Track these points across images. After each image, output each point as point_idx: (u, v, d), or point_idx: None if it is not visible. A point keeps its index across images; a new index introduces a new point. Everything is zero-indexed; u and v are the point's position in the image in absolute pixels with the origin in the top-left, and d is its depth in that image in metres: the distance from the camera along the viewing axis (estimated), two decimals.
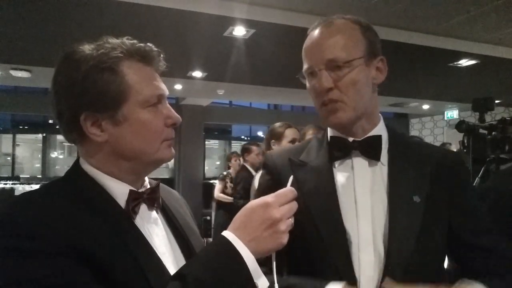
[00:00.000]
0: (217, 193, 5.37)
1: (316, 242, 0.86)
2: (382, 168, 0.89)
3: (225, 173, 5.56)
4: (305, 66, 0.89)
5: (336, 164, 0.92)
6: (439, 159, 0.90)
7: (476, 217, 0.90)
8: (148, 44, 0.79)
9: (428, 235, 0.83)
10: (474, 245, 0.88)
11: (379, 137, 0.89)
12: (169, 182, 9.08)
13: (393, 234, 0.82)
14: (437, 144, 7.46)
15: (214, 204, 7.10)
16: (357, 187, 0.88)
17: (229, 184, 5.23)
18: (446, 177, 0.88)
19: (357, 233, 0.84)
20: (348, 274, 0.82)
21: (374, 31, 0.90)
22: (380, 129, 0.93)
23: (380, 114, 0.96)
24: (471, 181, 0.99)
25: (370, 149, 0.88)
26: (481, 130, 2.28)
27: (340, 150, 0.91)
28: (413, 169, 0.88)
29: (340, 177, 0.90)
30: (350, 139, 0.90)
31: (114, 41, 0.76)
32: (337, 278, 0.82)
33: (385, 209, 0.84)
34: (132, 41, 0.77)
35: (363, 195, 0.87)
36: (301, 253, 0.89)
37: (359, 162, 0.89)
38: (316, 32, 0.87)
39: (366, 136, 0.90)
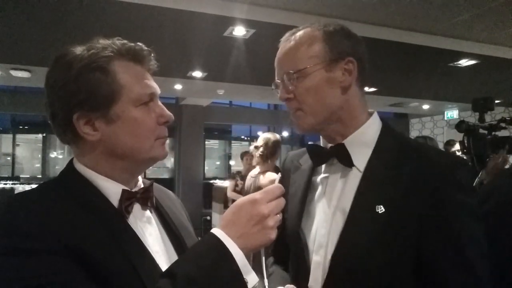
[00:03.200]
0: (229, 191, 5.48)
1: (285, 241, 0.95)
2: (356, 175, 0.86)
3: (235, 171, 5.66)
4: None
5: (322, 169, 0.95)
6: (425, 169, 0.80)
7: (455, 244, 0.76)
8: (139, 43, 0.79)
9: (386, 247, 0.78)
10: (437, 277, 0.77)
11: (342, 145, 0.87)
12: (169, 182, 9.10)
13: (342, 240, 0.83)
14: (441, 142, 7.43)
15: (216, 205, 7.13)
16: (326, 194, 0.90)
17: (239, 182, 5.35)
18: (425, 189, 0.78)
19: (314, 237, 0.89)
20: (303, 272, 0.88)
21: (344, 34, 0.88)
22: (365, 132, 0.89)
23: (368, 115, 0.92)
24: (458, 199, 0.78)
25: (342, 156, 0.88)
26: (481, 130, 2.28)
27: (317, 156, 0.93)
28: (389, 177, 0.82)
29: (317, 182, 0.94)
30: (329, 145, 0.92)
31: (105, 41, 0.77)
32: (296, 274, 0.91)
33: (345, 216, 0.84)
34: (122, 41, 0.78)
35: (328, 200, 0.89)
36: (278, 249, 0.98)
37: (335, 169, 0.90)
38: (279, 46, 0.92)
39: (336, 143, 0.90)
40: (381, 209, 0.80)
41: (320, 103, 0.86)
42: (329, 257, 0.84)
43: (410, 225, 0.78)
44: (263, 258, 0.74)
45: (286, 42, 0.90)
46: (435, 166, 0.81)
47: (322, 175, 0.93)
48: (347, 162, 0.87)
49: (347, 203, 0.85)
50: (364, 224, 0.81)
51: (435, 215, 0.77)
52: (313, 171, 0.96)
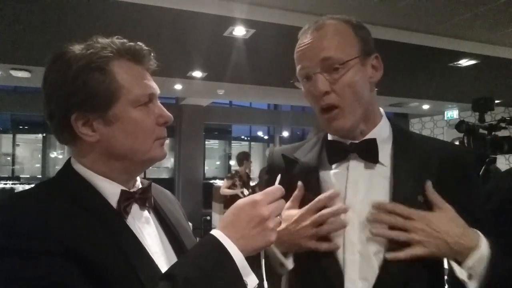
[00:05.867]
0: (223, 188, 5.57)
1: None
2: (382, 169, 0.87)
3: (234, 171, 5.70)
4: (298, 69, 0.87)
5: (333, 166, 0.91)
6: (445, 156, 0.87)
7: (479, 221, 0.85)
8: (139, 43, 0.78)
9: None
10: None
11: (374, 141, 0.86)
12: (169, 182, 9.10)
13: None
14: None
15: (216, 205, 7.15)
16: (348, 190, 0.87)
17: (238, 182, 5.42)
18: (452, 176, 0.85)
19: (343, 234, 0.85)
20: (333, 272, 0.84)
21: (366, 29, 0.88)
22: (382, 128, 0.91)
23: (381, 112, 0.94)
24: (477, 180, 0.94)
25: (367, 152, 0.87)
26: (481, 130, 2.27)
27: (337, 153, 0.90)
28: (418, 168, 0.85)
29: (333, 178, 0.90)
30: (348, 141, 0.89)
31: (104, 40, 0.76)
32: (323, 276, 0.85)
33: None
34: (122, 41, 0.77)
35: (352, 197, 0.86)
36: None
37: (355, 165, 0.88)
38: (309, 34, 0.85)
39: (363, 139, 0.88)
40: (421, 198, 0.82)
41: (357, 99, 0.84)
42: (369, 253, 0.82)
43: None
44: (263, 260, 0.74)
45: (319, 30, 0.84)
46: (457, 154, 0.90)
47: (335, 170, 0.90)
48: (372, 158, 0.87)
49: (381, 197, 0.84)
50: None
51: (463, 195, 0.85)
52: (319, 165, 0.92)
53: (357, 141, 0.88)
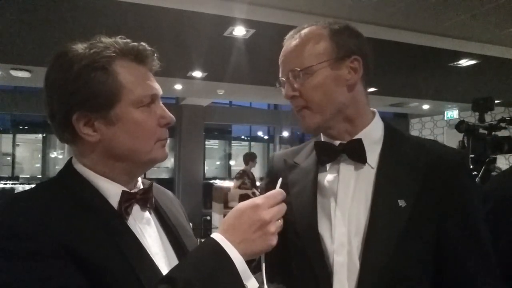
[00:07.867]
0: (233, 189, 5.66)
1: (295, 243, 0.90)
2: (369, 171, 0.87)
3: (241, 171, 5.73)
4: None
5: (327, 167, 0.92)
6: (434, 161, 0.85)
7: (473, 227, 0.83)
8: (142, 43, 0.78)
9: (411, 241, 0.80)
10: (453, 267, 0.82)
11: (360, 141, 0.87)
12: (169, 182, 9.10)
13: (370, 237, 0.81)
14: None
15: (216, 205, 7.15)
16: (339, 191, 0.88)
17: (247, 181, 5.47)
18: (439, 180, 0.83)
19: (330, 236, 0.85)
20: (323, 274, 0.84)
21: (349, 32, 0.88)
22: (373, 129, 0.91)
23: (374, 113, 0.95)
24: (470, 184, 0.88)
25: (355, 152, 0.88)
26: (481, 130, 2.27)
27: (326, 154, 0.91)
28: (404, 172, 0.85)
29: (326, 180, 0.91)
30: (337, 142, 0.91)
31: (107, 40, 0.75)
32: (313, 277, 0.85)
33: (367, 212, 0.83)
34: (125, 40, 0.76)
35: (343, 198, 0.87)
36: (284, 252, 0.91)
37: (345, 166, 0.89)
38: (284, 45, 0.91)
39: (350, 140, 0.89)
40: (402, 203, 0.82)
41: (326, 100, 0.86)
42: (354, 256, 0.82)
43: (431, 216, 0.82)
44: (263, 264, 0.74)
45: (292, 39, 0.89)
46: (446, 158, 0.87)
47: (330, 173, 0.91)
48: (360, 158, 0.87)
49: (365, 200, 0.85)
50: (389, 219, 0.81)
51: (452, 201, 0.82)
52: (318, 169, 0.94)
53: (345, 142, 0.90)
